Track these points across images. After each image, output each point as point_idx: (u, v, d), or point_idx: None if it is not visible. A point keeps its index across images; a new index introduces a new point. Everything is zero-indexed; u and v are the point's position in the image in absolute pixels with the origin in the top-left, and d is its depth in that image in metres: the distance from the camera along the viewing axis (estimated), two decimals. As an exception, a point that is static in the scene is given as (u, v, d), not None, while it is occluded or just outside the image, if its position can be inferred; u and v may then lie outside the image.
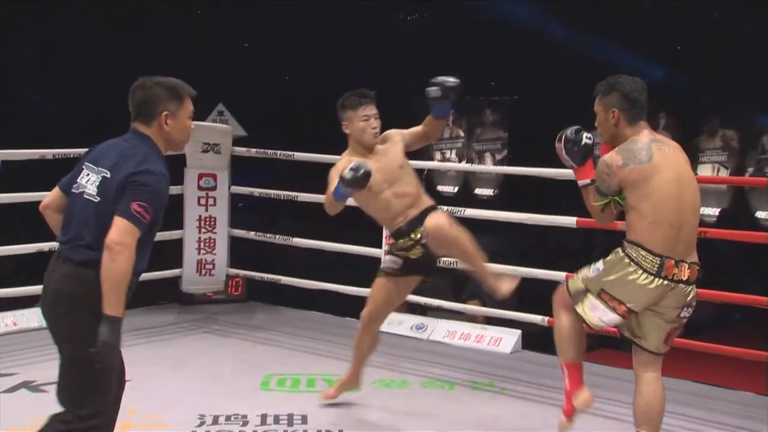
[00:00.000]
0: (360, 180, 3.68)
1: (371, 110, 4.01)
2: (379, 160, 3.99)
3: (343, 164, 3.87)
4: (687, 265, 3.21)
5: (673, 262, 3.17)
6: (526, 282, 7.09)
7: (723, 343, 4.81)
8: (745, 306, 5.30)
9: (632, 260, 3.22)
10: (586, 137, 3.39)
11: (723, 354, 4.76)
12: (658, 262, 3.16)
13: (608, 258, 3.35)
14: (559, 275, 4.94)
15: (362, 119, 3.98)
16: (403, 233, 4.00)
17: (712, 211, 11.13)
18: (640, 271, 3.19)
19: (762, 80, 10.06)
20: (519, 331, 5.44)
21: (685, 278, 3.20)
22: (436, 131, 4.23)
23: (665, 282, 3.19)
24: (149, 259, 2.90)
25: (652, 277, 3.18)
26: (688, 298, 3.26)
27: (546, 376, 4.80)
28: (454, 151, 12.95)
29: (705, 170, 11.26)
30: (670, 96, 11.05)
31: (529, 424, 4.18)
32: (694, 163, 11.35)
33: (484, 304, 6.37)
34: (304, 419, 4.03)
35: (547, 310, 5.19)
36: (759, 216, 10.95)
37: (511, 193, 10.87)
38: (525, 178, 5.83)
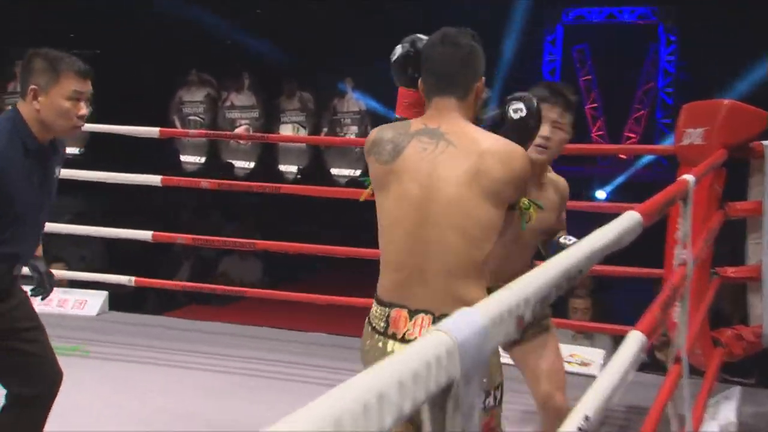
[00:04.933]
0: None
1: (556, 114, 2.75)
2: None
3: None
4: (429, 318, 2.01)
5: (405, 312, 2.03)
6: (116, 243, 6.98)
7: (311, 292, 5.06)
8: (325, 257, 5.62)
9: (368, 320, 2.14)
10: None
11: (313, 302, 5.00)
12: (386, 314, 2.06)
13: None
14: (146, 234, 4.87)
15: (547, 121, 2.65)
16: None
17: (293, 168, 11.72)
18: (374, 335, 2.09)
19: (333, 47, 10.66)
20: (106, 293, 5.30)
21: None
22: None
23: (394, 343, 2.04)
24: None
25: (379, 337, 2.07)
26: None
27: (133, 335, 4.76)
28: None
29: (286, 130, 11.78)
30: (252, 58, 11.33)
31: (113, 382, 4.09)
32: (275, 122, 11.79)
33: (68, 267, 6.10)
34: None
35: (133, 270, 5.12)
36: (333, 172, 11.72)
37: (98, 152, 10.49)
38: (112, 136, 5.61)
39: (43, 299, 2.92)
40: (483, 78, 2.16)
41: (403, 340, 1.99)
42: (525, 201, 2.11)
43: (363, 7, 10.12)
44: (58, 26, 11.06)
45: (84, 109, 2.65)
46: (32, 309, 2.81)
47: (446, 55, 2.11)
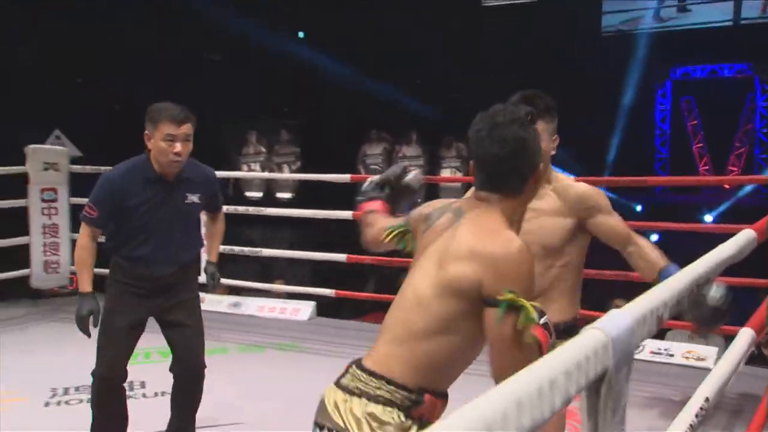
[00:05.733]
0: None
1: None
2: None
3: None
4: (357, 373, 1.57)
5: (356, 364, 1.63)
6: (320, 264, 7.19)
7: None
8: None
9: None
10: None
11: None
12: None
13: None
14: (340, 257, 4.99)
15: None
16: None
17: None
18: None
19: (483, 105, 10.64)
20: (314, 303, 5.45)
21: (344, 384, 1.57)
22: None
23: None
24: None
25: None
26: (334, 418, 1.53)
27: (336, 336, 4.85)
28: (258, 164, 12.88)
29: (445, 172, 11.84)
30: (418, 118, 11.51)
31: (320, 372, 4.18)
32: (436, 168, 11.87)
33: (286, 283, 6.33)
34: (143, 384, 3.81)
35: (334, 284, 5.25)
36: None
37: (306, 195, 10.88)
38: (316, 182, 5.82)
39: (208, 292, 3.02)
40: (539, 169, 1.54)
41: (338, 385, 1.57)
42: (511, 297, 1.39)
43: (506, 71, 10.06)
44: (276, 103, 11.61)
45: (178, 148, 2.65)
46: (191, 310, 2.87)
47: (492, 152, 1.52)
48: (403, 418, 1.47)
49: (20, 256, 5.62)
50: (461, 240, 1.47)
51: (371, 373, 1.51)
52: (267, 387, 3.83)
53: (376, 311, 7.01)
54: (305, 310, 5.38)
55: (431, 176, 11.27)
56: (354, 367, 1.56)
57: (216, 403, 3.50)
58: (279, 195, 12.26)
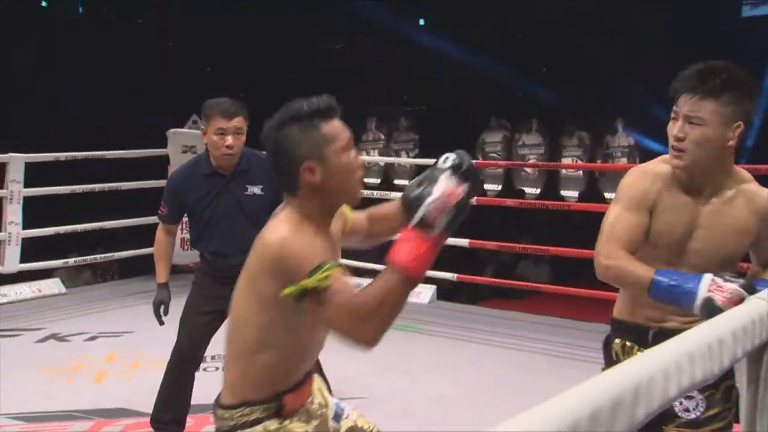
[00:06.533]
0: None
1: (689, 106, 1.67)
2: None
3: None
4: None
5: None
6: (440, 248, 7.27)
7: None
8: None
9: None
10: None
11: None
12: None
13: None
14: (463, 242, 5.02)
15: None
16: None
17: (573, 194, 11.45)
18: None
19: (608, 91, 10.37)
20: (434, 286, 5.51)
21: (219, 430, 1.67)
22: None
23: None
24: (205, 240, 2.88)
25: None
26: None
27: (454, 319, 4.92)
28: (376, 151, 13.09)
29: (566, 162, 11.58)
30: (539, 106, 11.34)
31: (438, 352, 4.28)
32: (557, 157, 11.63)
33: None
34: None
35: (454, 268, 5.29)
36: (607, 197, 11.27)
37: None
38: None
39: None
40: (311, 162, 1.47)
41: None
42: (293, 289, 1.42)
43: (629, 58, 9.73)
44: (395, 90, 11.77)
45: (229, 141, 2.72)
46: None
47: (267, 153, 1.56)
48: (278, 423, 1.56)
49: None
50: (255, 249, 1.52)
51: (231, 407, 1.58)
52: (390, 364, 3.95)
53: (493, 298, 7.01)
54: (426, 293, 5.46)
55: (553, 162, 11.09)
56: (216, 409, 1.62)
57: (341, 378, 3.63)
58: (397, 182, 12.41)
